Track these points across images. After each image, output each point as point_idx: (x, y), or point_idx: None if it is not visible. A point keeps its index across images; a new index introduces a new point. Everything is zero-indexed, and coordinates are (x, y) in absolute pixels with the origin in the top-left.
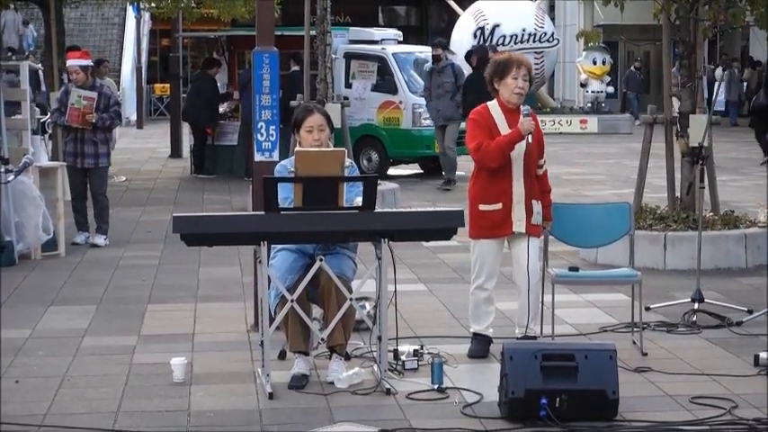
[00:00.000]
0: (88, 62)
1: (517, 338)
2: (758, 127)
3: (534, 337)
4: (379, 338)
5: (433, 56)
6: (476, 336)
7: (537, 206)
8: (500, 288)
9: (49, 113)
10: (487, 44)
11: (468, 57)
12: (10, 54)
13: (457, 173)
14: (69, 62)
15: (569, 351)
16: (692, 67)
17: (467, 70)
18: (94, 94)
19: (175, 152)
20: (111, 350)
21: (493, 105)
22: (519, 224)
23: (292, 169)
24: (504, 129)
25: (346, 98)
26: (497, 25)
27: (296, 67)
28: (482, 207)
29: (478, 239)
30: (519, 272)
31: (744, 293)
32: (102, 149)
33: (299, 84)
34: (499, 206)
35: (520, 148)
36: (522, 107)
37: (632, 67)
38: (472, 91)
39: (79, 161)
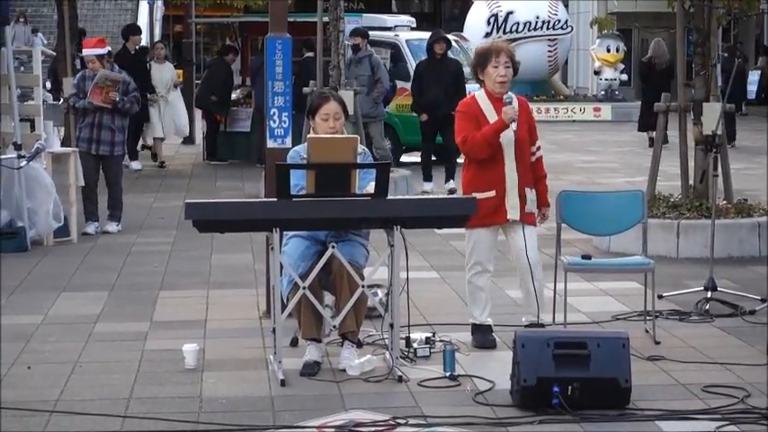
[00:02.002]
0: (103, 50)
1: (524, 326)
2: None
3: (542, 325)
4: (391, 326)
5: (351, 45)
6: (478, 327)
7: (530, 194)
8: (509, 276)
9: (61, 99)
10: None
11: (430, 45)
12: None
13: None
14: (85, 51)
15: (582, 339)
16: (705, 55)
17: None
18: (120, 76)
19: (188, 138)
20: (124, 336)
21: (480, 95)
22: (513, 212)
23: (305, 155)
24: (492, 118)
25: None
26: (511, 12)
27: (309, 54)
28: (475, 195)
29: (473, 229)
30: (519, 260)
31: (757, 282)
32: (119, 137)
33: (312, 70)
34: (492, 194)
35: (510, 135)
36: (504, 95)
37: None
38: (433, 83)
39: (94, 147)
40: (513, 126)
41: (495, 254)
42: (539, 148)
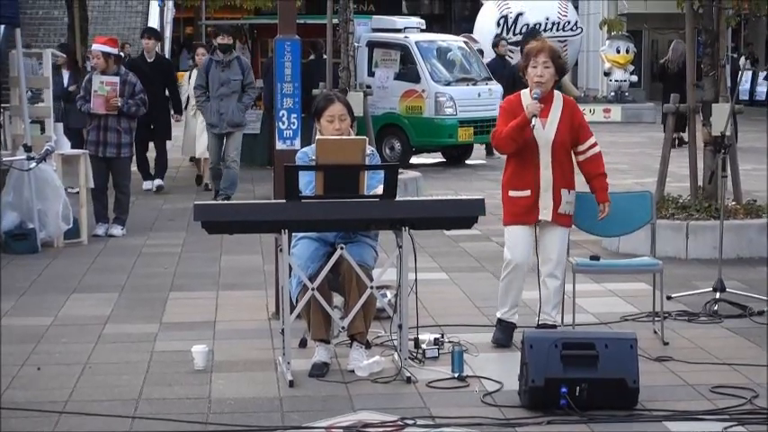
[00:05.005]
0: (112, 50)
1: (536, 326)
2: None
3: (553, 326)
4: (400, 327)
5: (219, 45)
6: (500, 322)
7: (568, 195)
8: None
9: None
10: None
11: (523, 45)
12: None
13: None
14: (93, 46)
15: (590, 340)
16: (714, 56)
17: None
18: (116, 79)
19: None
20: (133, 337)
21: (525, 93)
22: (545, 212)
23: (313, 157)
24: None
25: (369, 87)
26: (521, 14)
27: (312, 56)
28: (512, 193)
29: (509, 226)
30: (543, 260)
31: (765, 283)
32: (126, 139)
33: (315, 73)
34: (527, 193)
35: (547, 135)
36: (533, 91)
37: None
38: (505, 86)
39: (101, 150)
40: (534, 122)
41: (531, 254)
42: (591, 146)
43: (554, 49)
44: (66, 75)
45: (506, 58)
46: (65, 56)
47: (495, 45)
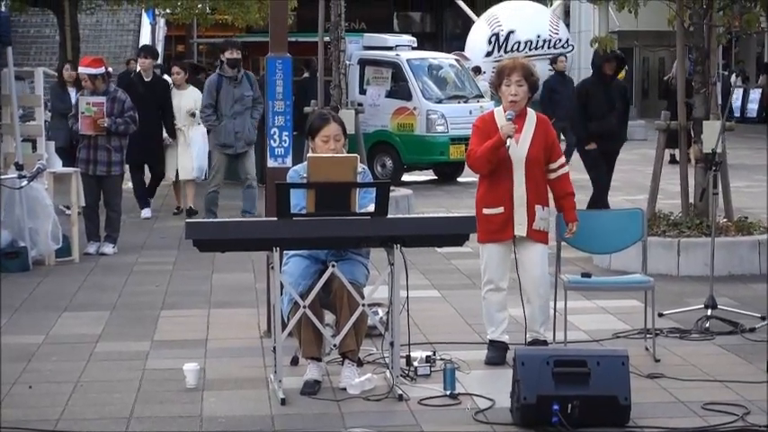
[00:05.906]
0: (98, 70)
1: (526, 343)
2: None
3: (544, 342)
4: (392, 344)
5: (228, 60)
6: (492, 343)
7: (542, 212)
8: (510, 294)
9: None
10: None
11: (601, 63)
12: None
13: None
14: (79, 69)
15: (581, 357)
16: (705, 74)
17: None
18: (102, 99)
19: None
20: (125, 356)
21: (498, 111)
22: (520, 228)
23: (305, 175)
24: None
25: (360, 104)
26: (512, 31)
27: (306, 74)
28: (485, 211)
29: (485, 244)
30: (525, 278)
31: (757, 300)
32: (116, 157)
33: (309, 90)
34: (501, 210)
35: (520, 152)
36: (506, 112)
37: None
38: (605, 108)
39: (91, 168)
40: (509, 142)
41: (508, 271)
42: (561, 166)
43: (527, 67)
44: (72, 92)
45: (566, 74)
46: (74, 73)
47: (553, 62)
